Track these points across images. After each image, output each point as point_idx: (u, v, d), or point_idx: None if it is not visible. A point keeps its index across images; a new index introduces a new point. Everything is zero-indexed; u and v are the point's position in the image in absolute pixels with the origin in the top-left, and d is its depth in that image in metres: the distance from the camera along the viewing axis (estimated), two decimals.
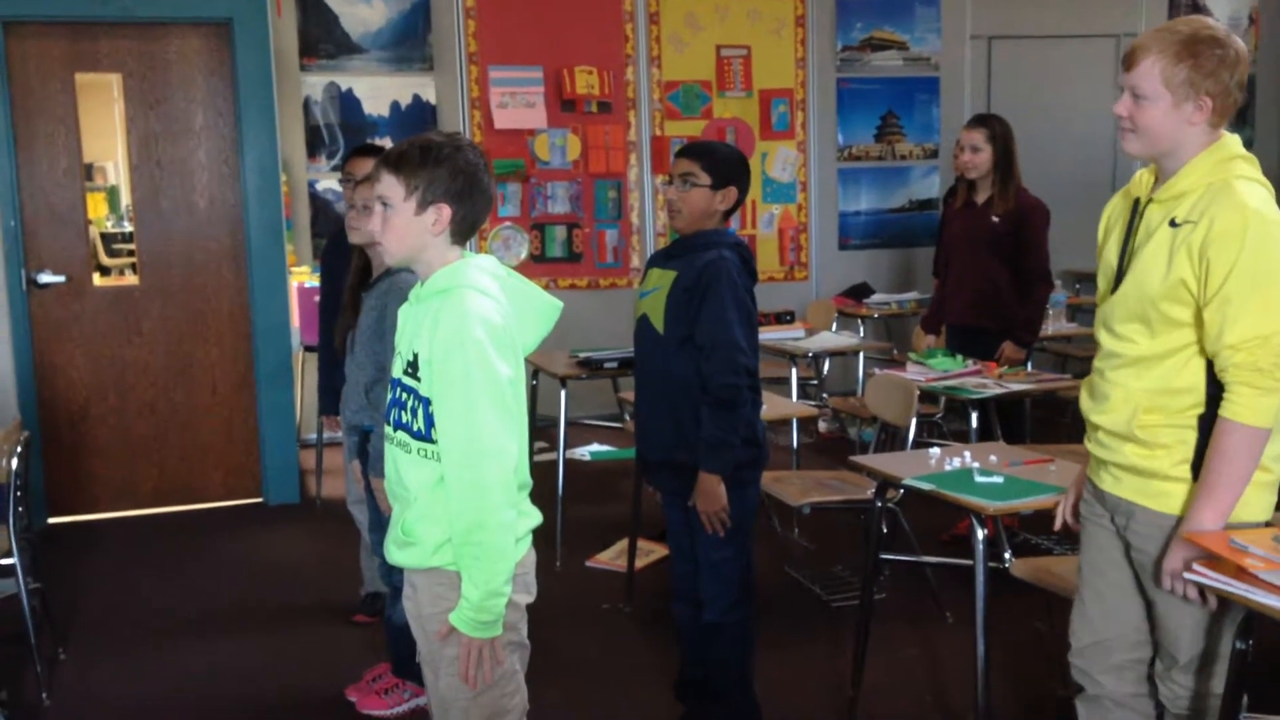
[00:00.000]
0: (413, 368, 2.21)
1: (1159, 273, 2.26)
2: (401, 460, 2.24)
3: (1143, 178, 2.38)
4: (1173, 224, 2.26)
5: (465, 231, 2.25)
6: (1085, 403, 2.47)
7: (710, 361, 2.96)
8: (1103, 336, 2.42)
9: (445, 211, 2.20)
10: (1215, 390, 2.25)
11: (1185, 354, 2.27)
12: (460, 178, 2.21)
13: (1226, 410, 2.19)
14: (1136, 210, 2.37)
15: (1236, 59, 2.23)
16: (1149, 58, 2.23)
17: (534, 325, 2.32)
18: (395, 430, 2.25)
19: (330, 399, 4.34)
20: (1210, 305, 2.19)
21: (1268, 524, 2.32)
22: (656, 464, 3.19)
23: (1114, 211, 2.48)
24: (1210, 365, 2.25)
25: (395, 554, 2.29)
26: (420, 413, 2.19)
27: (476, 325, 2.14)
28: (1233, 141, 2.28)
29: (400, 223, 2.21)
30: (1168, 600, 2.34)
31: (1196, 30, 2.24)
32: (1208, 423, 2.25)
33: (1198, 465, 2.26)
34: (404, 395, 2.23)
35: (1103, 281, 2.46)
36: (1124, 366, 2.35)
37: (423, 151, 2.20)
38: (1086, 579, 2.54)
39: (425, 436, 2.19)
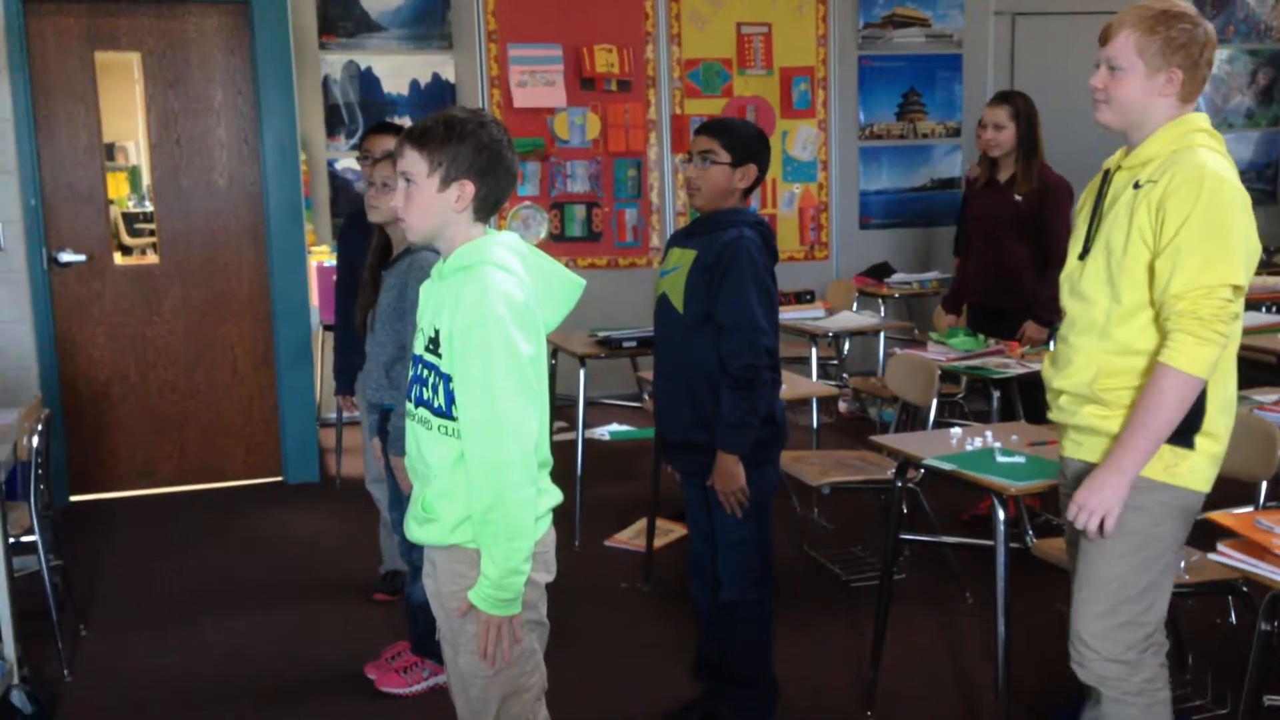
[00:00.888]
0: (434, 344, 2.20)
1: (1123, 230, 2.35)
2: (422, 437, 2.24)
3: (1117, 155, 2.48)
4: (1136, 186, 2.35)
5: (488, 208, 2.24)
6: (1047, 371, 2.54)
7: (730, 341, 2.93)
8: (1069, 303, 2.48)
9: (469, 188, 2.19)
10: None
11: (1147, 314, 2.33)
12: (484, 154, 2.19)
13: (1164, 356, 2.25)
14: (1106, 180, 2.46)
15: (1206, 37, 2.35)
16: (1124, 31, 2.35)
17: (556, 303, 2.30)
18: (416, 407, 2.25)
19: (345, 379, 4.35)
20: (1162, 255, 2.27)
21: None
22: (675, 444, 3.17)
23: (1089, 190, 2.57)
24: None
25: (415, 531, 2.29)
26: (441, 389, 2.18)
27: (498, 302, 2.12)
28: (1199, 117, 2.38)
29: (423, 199, 2.20)
30: (1102, 550, 2.36)
31: (1169, 7, 2.36)
32: None
33: None
34: (425, 372, 2.22)
35: (1072, 250, 2.52)
36: (1088, 330, 2.41)
37: (446, 127, 2.19)
38: (1074, 558, 2.54)
39: (446, 413, 2.18)
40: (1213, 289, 2.22)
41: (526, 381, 2.14)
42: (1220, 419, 2.35)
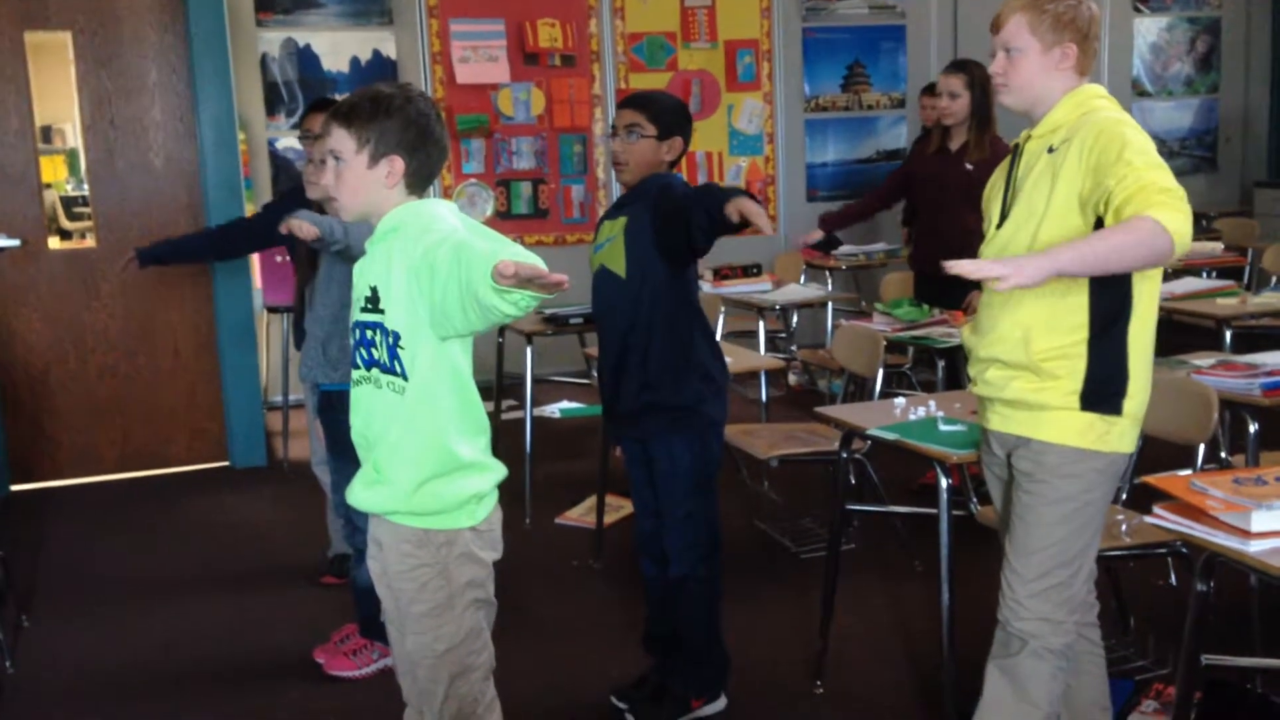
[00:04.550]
0: (371, 302, 2.19)
1: (1044, 192, 2.37)
2: (374, 400, 2.22)
3: (1025, 132, 2.53)
4: (1050, 150, 2.40)
5: (420, 183, 2.23)
6: (969, 339, 2.55)
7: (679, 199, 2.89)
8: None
9: (398, 164, 2.18)
10: (1100, 308, 2.33)
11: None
12: (412, 129, 2.18)
13: (1148, 210, 2.12)
14: (1016, 153, 2.51)
15: (1090, 13, 2.45)
16: (1015, 15, 2.44)
17: None
18: (368, 369, 2.22)
19: None
20: (1113, 173, 2.22)
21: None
22: (622, 414, 3.14)
23: (1000, 169, 2.60)
24: (1095, 285, 2.32)
25: (361, 495, 2.26)
26: (384, 345, 2.17)
27: (442, 220, 2.14)
28: (1097, 87, 2.45)
29: (353, 176, 2.19)
30: (1038, 519, 2.40)
31: None
32: (1096, 350, 2.34)
33: (1086, 395, 2.35)
34: (369, 333, 2.20)
35: (988, 224, 2.54)
36: (1012, 296, 2.38)
37: (373, 103, 2.18)
38: (1006, 523, 2.57)
39: (391, 369, 2.17)
40: (1167, 188, 2.17)
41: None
42: (1141, 381, 2.39)
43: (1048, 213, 2.35)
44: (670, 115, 3.02)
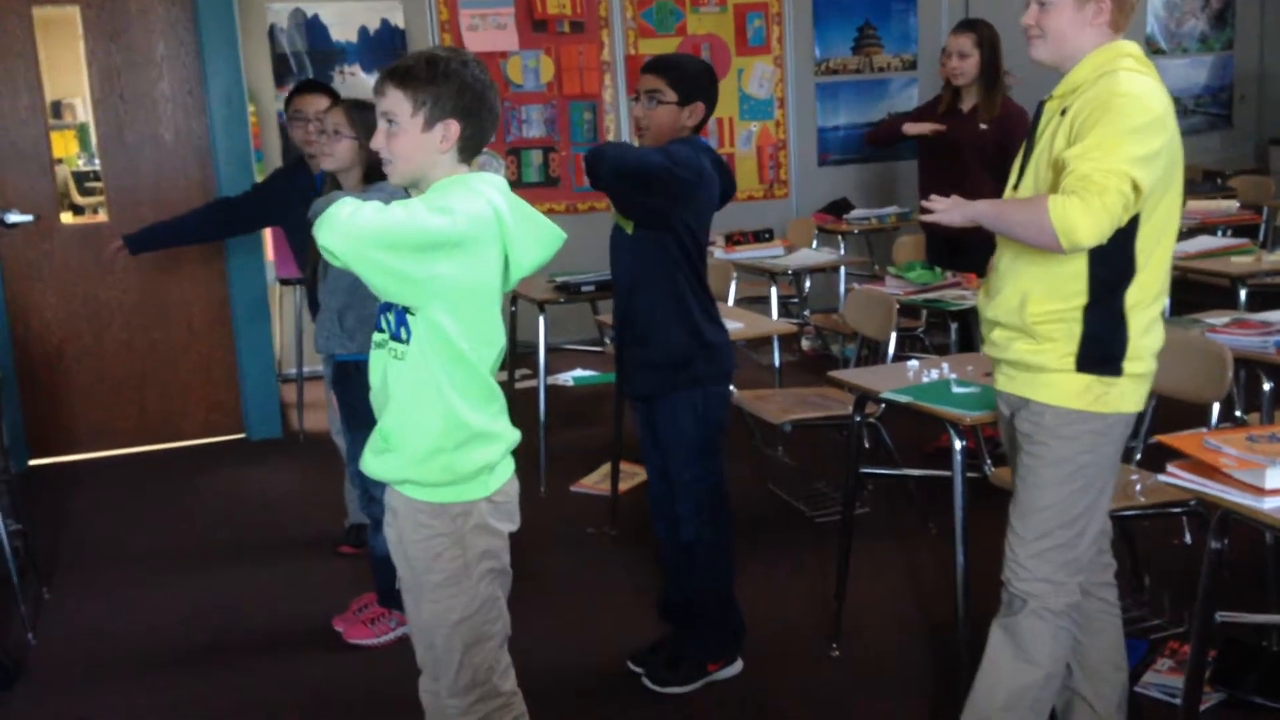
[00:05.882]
0: None
1: (1047, 157, 2.37)
2: (383, 364, 2.23)
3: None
4: (1063, 113, 2.37)
5: (473, 149, 2.21)
6: (981, 301, 2.57)
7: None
8: (1001, 236, 2.48)
9: (454, 128, 2.16)
10: (1099, 275, 2.31)
11: None
12: (468, 93, 2.16)
13: (1051, 197, 2.20)
14: (1039, 113, 2.48)
15: None
16: None
17: (535, 248, 2.24)
18: (380, 333, 2.24)
19: None
20: (1078, 145, 2.25)
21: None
22: (637, 364, 3.13)
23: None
24: (1095, 256, 2.30)
25: (371, 463, 2.26)
26: (393, 311, 2.18)
27: (459, 202, 2.11)
28: (1128, 44, 2.38)
29: (407, 140, 2.17)
30: (1038, 480, 2.41)
31: None
32: (1093, 314, 2.33)
33: (1082, 357, 2.34)
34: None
35: (1009, 184, 2.54)
36: (1018, 258, 2.42)
37: (430, 66, 2.15)
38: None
39: (396, 336, 2.18)
40: (1114, 168, 2.18)
41: (410, 237, 2.06)
42: (1143, 341, 2.37)
43: (1053, 169, 2.34)
44: (692, 81, 3.00)
